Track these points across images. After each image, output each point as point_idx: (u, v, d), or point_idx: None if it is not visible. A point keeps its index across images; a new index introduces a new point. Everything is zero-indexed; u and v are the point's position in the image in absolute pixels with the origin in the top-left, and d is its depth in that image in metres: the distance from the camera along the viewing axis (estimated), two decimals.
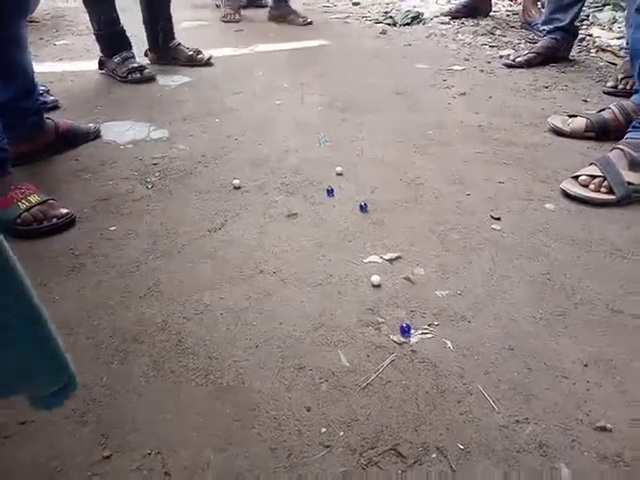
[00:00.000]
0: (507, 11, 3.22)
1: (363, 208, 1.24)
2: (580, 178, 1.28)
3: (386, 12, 3.14)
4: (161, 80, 2.16)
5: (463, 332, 0.89)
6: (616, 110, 1.53)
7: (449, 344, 0.87)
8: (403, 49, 2.53)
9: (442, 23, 2.95)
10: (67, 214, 1.20)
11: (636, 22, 1.43)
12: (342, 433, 0.73)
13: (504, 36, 2.69)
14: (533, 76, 2.12)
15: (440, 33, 2.78)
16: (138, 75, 2.11)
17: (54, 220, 1.18)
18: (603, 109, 1.57)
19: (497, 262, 1.06)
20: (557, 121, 1.59)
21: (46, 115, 1.53)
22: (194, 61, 2.30)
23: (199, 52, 2.32)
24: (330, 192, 1.31)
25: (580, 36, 2.47)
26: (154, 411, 0.77)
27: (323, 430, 0.73)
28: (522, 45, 2.52)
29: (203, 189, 1.36)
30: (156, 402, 0.78)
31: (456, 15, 3.03)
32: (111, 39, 2.13)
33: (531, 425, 0.74)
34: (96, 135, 1.65)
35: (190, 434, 0.73)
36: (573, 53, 2.34)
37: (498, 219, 1.20)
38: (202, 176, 1.42)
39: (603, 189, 1.25)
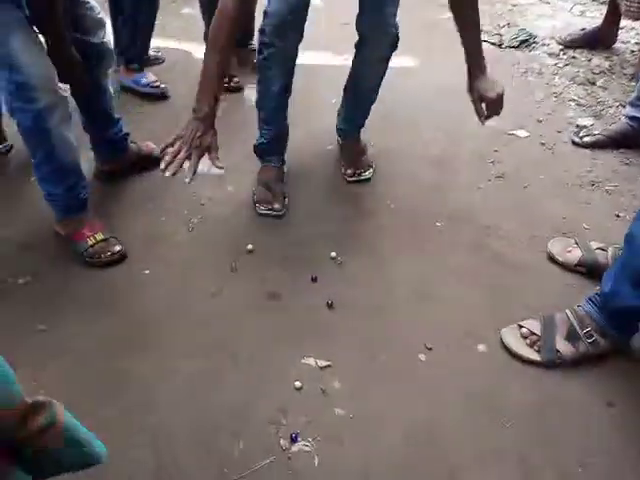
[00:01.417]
0: (636, 44, 2.95)
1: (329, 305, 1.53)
2: (522, 330, 1.44)
3: (499, 25, 3.04)
4: (246, 91, 2.44)
5: (334, 455, 1.21)
6: (609, 256, 1.59)
7: (317, 461, 1.20)
8: None
9: (550, 54, 2.82)
10: (119, 251, 1.63)
11: None
12: None
13: (605, 89, 2.56)
14: (591, 162, 2.11)
15: (539, 70, 2.70)
16: (224, 85, 2.33)
17: (108, 254, 1.62)
18: (602, 248, 1.63)
19: (395, 396, 1.32)
20: (556, 248, 1.69)
21: (131, 140, 1.94)
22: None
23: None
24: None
25: None
26: None
27: None
28: (612, 111, 2.41)
29: (226, 243, 1.71)
30: None
31: (571, 45, 2.87)
32: None
33: None
34: None
35: None
36: None
37: (430, 349, 1.43)
38: (231, 228, 1.77)
39: (535, 347, 1.41)
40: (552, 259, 1.69)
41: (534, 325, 1.44)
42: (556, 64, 2.76)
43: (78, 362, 1.37)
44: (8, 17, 1.31)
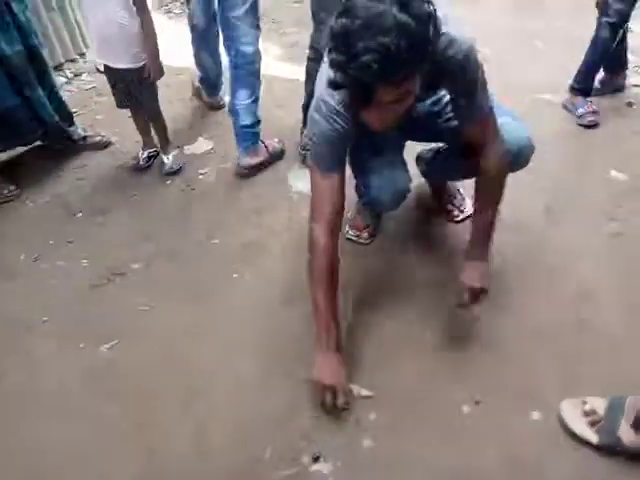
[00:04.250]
0: None
1: None
2: (585, 406, 1.32)
3: None
4: None
5: None
6: None
7: None
8: (622, 141, 2.30)
9: None
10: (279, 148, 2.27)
11: None
12: None
13: None
14: None
15: None
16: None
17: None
18: None
19: (427, 443, 1.31)
20: None
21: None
22: None
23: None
24: None
25: None
26: None
27: None
28: None
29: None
30: None
31: None
32: None
33: None
34: None
35: None
36: None
37: (477, 403, 1.38)
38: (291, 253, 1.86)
39: (595, 428, 1.29)
40: None
41: (600, 404, 1.32)
42: None
43: (159, 343, 1.58)
44: None
